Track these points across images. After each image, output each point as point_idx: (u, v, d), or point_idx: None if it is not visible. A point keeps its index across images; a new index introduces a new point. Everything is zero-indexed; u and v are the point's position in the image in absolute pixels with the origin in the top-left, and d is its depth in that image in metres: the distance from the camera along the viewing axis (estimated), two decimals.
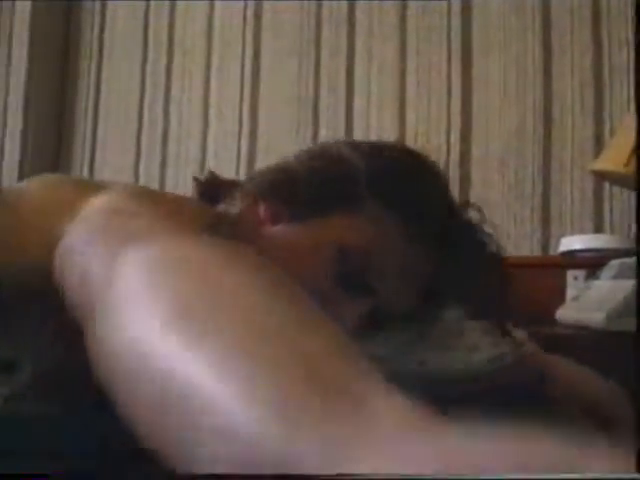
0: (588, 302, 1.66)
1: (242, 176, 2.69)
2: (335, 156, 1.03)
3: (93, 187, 0.87)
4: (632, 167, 1.71)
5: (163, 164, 2.92)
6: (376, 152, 1.04)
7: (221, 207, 1.06)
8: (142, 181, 2.91)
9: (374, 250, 0.97)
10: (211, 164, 2.80)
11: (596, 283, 1.73)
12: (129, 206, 0.79)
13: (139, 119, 2.98)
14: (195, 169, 2.76)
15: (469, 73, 2.49)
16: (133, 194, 0.85)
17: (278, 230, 1.00)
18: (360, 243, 0.96)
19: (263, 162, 2.51)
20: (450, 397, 1.23)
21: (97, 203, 0.81)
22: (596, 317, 1.52)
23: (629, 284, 1.54)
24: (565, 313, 1.75)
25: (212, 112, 2.86)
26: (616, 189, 2.21)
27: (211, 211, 1.05)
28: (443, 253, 0.99)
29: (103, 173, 2.97)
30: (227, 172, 2.63)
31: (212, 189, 1.12)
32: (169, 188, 2.82)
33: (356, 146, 1.05)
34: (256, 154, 2.78)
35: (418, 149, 1.06)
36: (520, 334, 1.30)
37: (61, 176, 1.03)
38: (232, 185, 1.12)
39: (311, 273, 0.95)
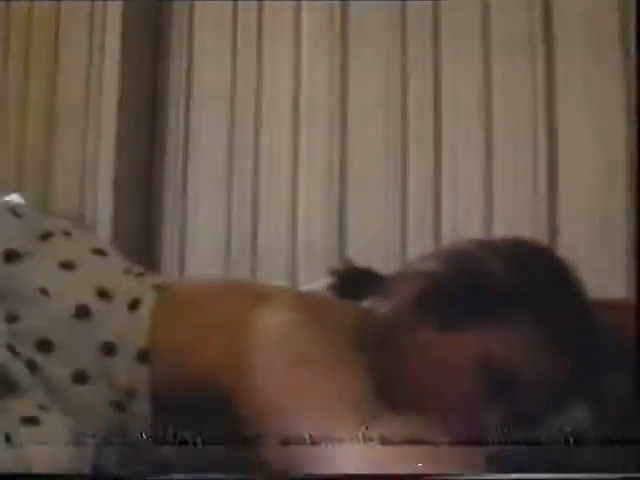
0: None
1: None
2: (478, 266, 1.09)
3: (259, 296, 0.98)
4: None
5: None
6: (517, 260, 1.09)
7: (368, 302, 1.16)
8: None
9: (518, 360, 1.02)
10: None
11: None
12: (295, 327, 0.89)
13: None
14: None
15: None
16: (296, 306, 0.95)
17: (429, 339, 1.05)
18: (505, 356, 1.02)
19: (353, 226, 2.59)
20: None
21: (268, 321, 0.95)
22: None
23: None
24: None
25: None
26: None
27: (361, 311, 1.15)
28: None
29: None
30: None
31: (352, 282, 1.19)
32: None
33: (494, 250, 1.12)
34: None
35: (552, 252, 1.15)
36: None
37: (231, 281, 1.17)
38: (373, 277, 1.21)
39: (458, 388, 1.02)
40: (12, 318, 0.98)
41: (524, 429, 1.02)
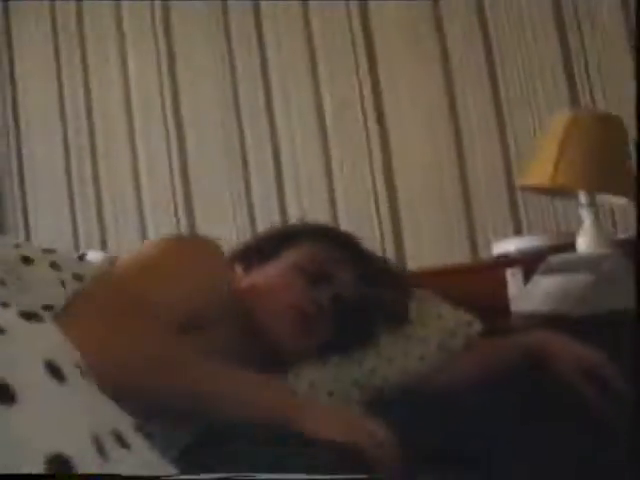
0: (544, 296, 1.98)
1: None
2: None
3: None
4: (558, 180, 2.05)
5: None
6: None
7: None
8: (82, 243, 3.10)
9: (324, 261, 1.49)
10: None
11: (542, 278, 2.06)
12: None
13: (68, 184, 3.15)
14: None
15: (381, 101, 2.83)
16: None
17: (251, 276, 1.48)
18: (315, 259, 1.48)
19: (201, 215, 2.78)
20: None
21: None
22: (560, 308, 1.86)
23: (580, 278, 1.88)
24: (521, 307, 2.07)
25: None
26: (527, 196, 2.59)
27: None
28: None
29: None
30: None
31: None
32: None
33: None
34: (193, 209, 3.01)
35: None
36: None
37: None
38: None
39: (287, 283, 1.44)
40: None
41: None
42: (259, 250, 1.54)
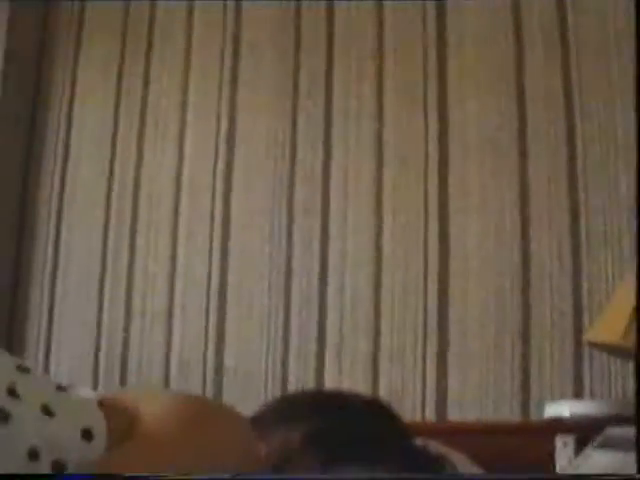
0: (594, 471, 1.66)
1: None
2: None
3: None
4: (630, 338, 1.75)
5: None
6: None
7: None
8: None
9: None
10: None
11: (595, 453, 1.74)
12: None
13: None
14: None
15: (446, 236, 2.56)
16: None
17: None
18: None
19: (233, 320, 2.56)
20: None
21: None
22: None
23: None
24: None
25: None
26: (595, 354, 2.26)
27: None
28: None
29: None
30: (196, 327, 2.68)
31: None
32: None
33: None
34: (226, 309, 2.78)
35: None
36: None
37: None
38: None
39: None
40: None
41: None
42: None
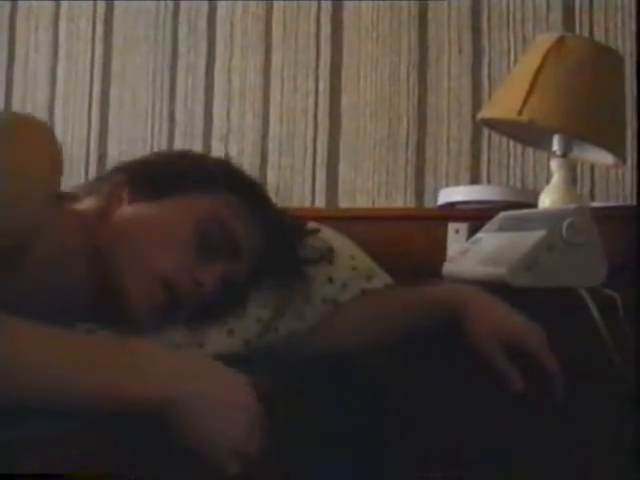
0: (481, 256, 1.57)
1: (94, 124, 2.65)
2: (190, 155, 1.30)
3: None
4: (526, 115, 1.62)
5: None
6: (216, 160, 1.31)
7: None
8: None
9: (228, 223, 1.17)
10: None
11: (486, 236, 1.65)
12: None
13: None
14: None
15: (339, 15, 2.39)
16: None
17: (136, 208, 1.14)
18: (216, 217, 1.16)
19: (116, 109, 2.42)
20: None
21: None
22: (497, 271, 1.43)
23: (530, 236, 1.46)
24: (453, 267, 1.66)
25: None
26: (494, 140, 2.16)
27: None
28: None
29: None
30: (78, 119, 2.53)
31: None
32: None
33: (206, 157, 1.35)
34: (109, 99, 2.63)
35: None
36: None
37: None
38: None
39: (173, 243, 1.13)
40: None
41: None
42: (154, 179, 1.20)
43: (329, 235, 1.45)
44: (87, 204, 1.14)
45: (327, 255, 1.38)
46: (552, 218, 1.46)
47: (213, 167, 1.27)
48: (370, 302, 1.36)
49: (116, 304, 1.09)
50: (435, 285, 1.38)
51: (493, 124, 1.83)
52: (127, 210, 1.14)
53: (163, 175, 1.20)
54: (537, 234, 1.43)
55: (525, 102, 1.62)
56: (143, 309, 1.10)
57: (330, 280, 1.35)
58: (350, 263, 1.40)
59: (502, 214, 1.66)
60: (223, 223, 1.17)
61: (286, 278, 1.30)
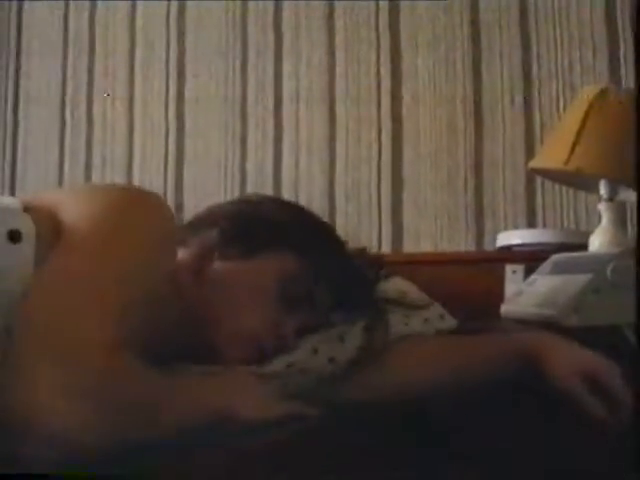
0: (534, 297, 1.67)
1: (170, 177, 2.69)
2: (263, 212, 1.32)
3: None
4: (573, 164, 1.73)
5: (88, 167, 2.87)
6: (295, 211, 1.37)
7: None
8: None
9: (305, 278, 1.23)
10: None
11: (540, 278, 1.75)
12: None
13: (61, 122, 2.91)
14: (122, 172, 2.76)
15: (399, 70, 2.52)
16: None
17: (226, 265, 1.22)
18: (296, 273, 1.23)
19: (191, 163, 2.55)
20: None
21: None
22: (549, 313, 1.54)
23: (579, 279, 1.56)
24: (510, 308, 1.76)
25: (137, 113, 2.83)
26: (547, 184, 2.26)
27: None
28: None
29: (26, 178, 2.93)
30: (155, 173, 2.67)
31: None
32: None
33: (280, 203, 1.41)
34: (184, 153, 2.76)
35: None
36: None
37: None
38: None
39: (260, 302, 1.20)
40: None
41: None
42: (243, 237, 1.26)
43: (398, 280, 1.54)
44: (180, 255, 1.19)
45: (401, 297, 1.45)
46: (598, 261, 1.57)
47: (295, 225, 1.31)
48: (446, 346, 1.38)
49: (210, 359, 1.15)
50: (505, 332, 1.45)
51: (544, 172, 1.94)
52: (218, 267, 1.20)
53: (251, 235, 1.25)
54: (585, 277, 1.53)
55: (572, 152, 1.73)
56: (235, 364, 1.16)
57: (406, 321, 1.40)
58: (421, 305, 1.47)
59: (554, 257, 1.76)
60: (302, 279, 1.23)
61: (368, 318, 1.34)
